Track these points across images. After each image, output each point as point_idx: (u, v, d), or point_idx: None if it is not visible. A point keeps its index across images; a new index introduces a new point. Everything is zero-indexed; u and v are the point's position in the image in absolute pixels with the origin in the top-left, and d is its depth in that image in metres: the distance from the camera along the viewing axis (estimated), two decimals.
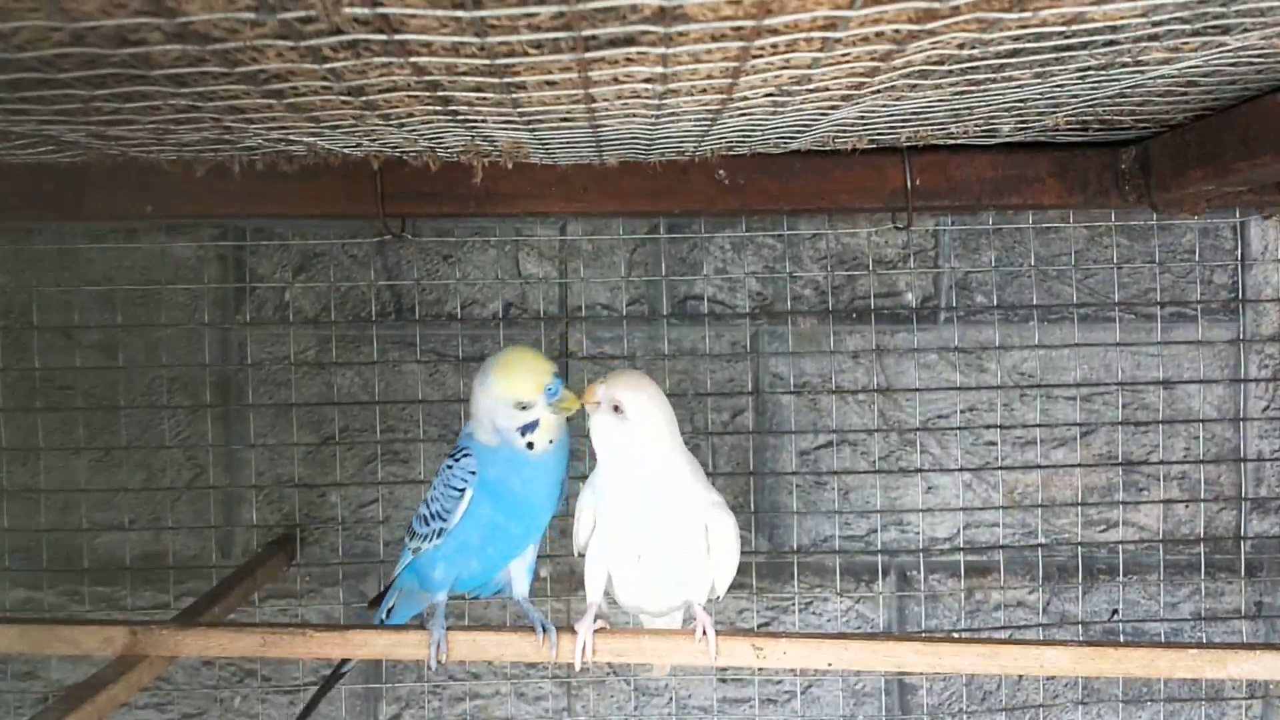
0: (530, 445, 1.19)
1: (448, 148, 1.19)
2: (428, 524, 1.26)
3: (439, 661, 1.20)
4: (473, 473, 1.21)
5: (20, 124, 1.00)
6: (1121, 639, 1.68)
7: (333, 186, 1.41)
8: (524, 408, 1.18)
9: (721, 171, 1.44)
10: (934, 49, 0.81)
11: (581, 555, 1.26)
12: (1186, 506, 1.70)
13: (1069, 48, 0.85)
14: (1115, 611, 1.70)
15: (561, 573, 1.67)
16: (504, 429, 1.20)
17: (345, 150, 1.23)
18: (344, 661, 1.41)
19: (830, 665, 1.18)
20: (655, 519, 1.19)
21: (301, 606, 1.70)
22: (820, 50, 0.77)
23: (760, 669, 1.66)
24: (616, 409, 1.17)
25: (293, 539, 1.68)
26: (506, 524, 1.24)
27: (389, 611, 1.39)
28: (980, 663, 1.18)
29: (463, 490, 1.22)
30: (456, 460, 1.23)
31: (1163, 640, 1.68)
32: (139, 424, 1.70)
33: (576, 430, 1.31)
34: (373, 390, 1.69)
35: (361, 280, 1.70)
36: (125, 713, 1.70)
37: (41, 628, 1.25)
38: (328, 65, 0.75)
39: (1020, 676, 1.69)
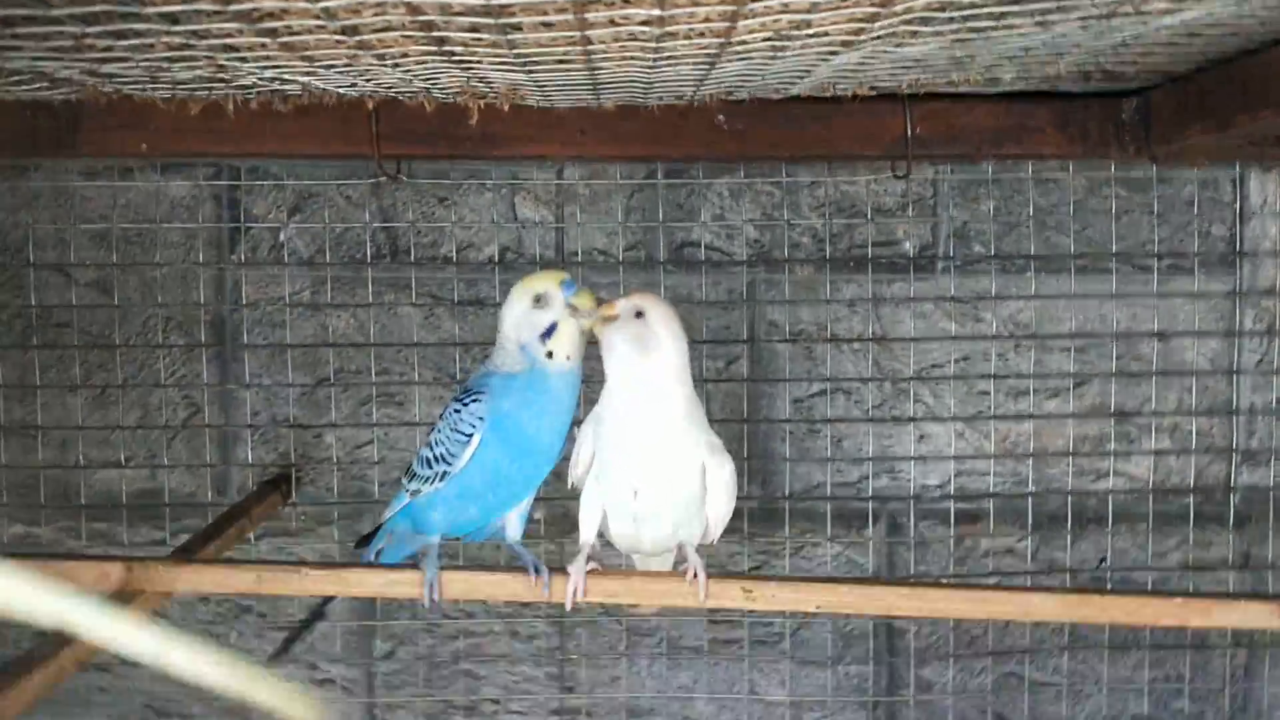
0: (550, 355, 1.21)
1: (443, 89, 1.18)
2: (430, 466, 1.27)
3: (433, 600, 1.22)
4: (481, 418, 1.22)
5: (13, 60, 0.99)
6: (1109, 587, 1.70)
7: (328, 126, 1.40)
8: (539, 302, 1.20)
9: (721, 117, 1.43)
10: None
11: (576, 489, 1.27)
12: (1177, 458, 1.71)
13: None
14: (1103, 560, 1.72)
15: (555, 515, 1.69)
16: (528, 342, 1.21)
17: (340, 90, 1.22)
18: (326, 600, 1.43)
19: (819, 608, 1.19)
20: (654, 453, 1.19)
21: (297, 545, 1.72)
22: None
23: (750, 611, 1.68)
24: (639, 314, 1.17)
25: (288, 478, 1.69)
26: (511, 468, 1.24)
27: (377, 554, 1.40)
28: (967, 607, 1.19)
29: (470, 435, 1.23)
30: (465, 405, 1.24)
31: (1149, 589, 1.69)
32: (135, 362, 1.70)
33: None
34: (368, 332, 1.69)
35: (357, 222, 1.69)
36: None
37: (38, 563, 1.26)
38: (321, 4, 0.74)
39: (1007, 622, 1.71)
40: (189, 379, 1.71)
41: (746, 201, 1.69)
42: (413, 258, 1.69)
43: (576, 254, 1.69)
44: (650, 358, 1.18)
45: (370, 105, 1.35)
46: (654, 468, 1.20)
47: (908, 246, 1.70)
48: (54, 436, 1.70)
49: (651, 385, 1.18)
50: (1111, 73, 1.28)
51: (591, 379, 1.30)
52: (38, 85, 1.18)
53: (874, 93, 1.35)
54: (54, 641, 1.07)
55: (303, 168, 1.68)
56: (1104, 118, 1.45)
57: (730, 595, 1.20)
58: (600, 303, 1.22)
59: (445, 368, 1.69)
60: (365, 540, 1.44)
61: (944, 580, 1.71)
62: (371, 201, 1.69)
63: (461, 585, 1.23)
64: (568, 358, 1.22)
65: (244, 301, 1.70)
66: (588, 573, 1.21)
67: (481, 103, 1.25)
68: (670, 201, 1.69)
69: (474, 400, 1.23)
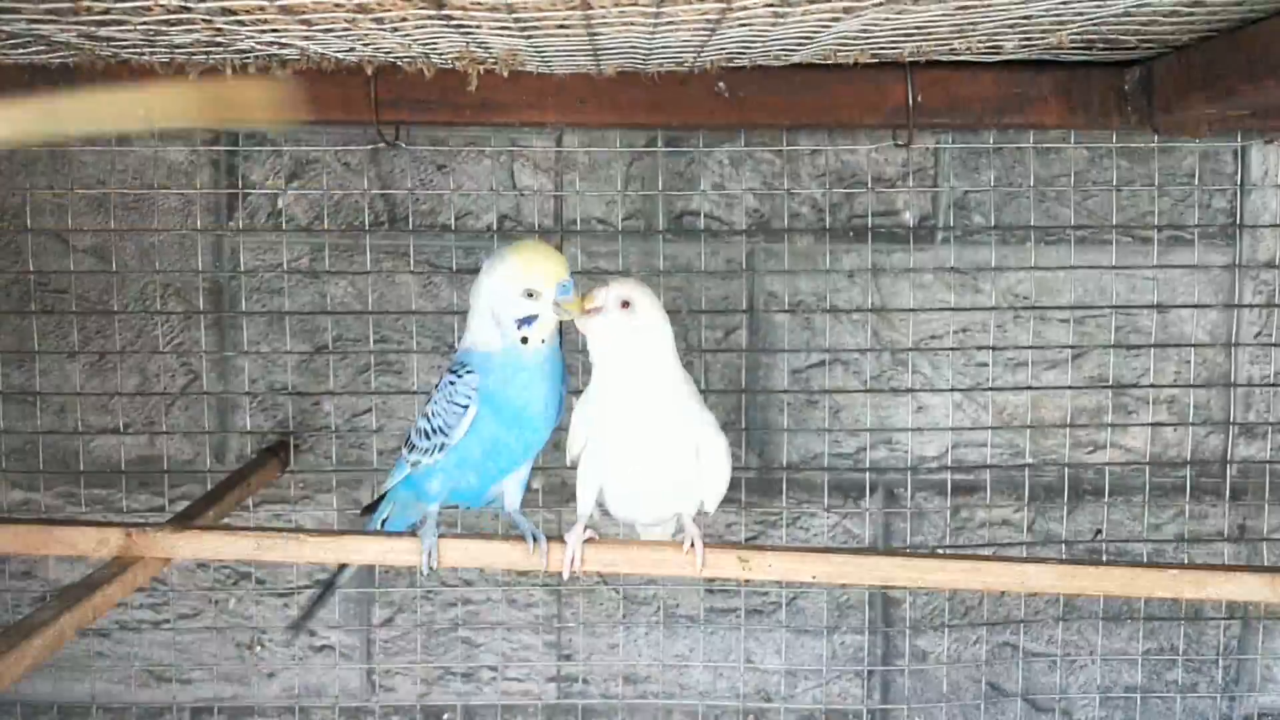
0: (525, 340, 1.20)
1: (442, 54, 1.18)
2: (428, 438, 1.27)
3: (431, 568, 1.22)
4: (476, 389, 1.22)
5: (10, 23, 0.98)
6: (1104, 559, 1.71)
7: (327, 92, 1.39)
8: (530, 296, 1.19)
9: (721, 84, 1.42)
10: None
11: (574, 465, 1.27)
12: (1174, 430, 1.71)
13: None
14: (1099, 532, 1.72)
15: (553, 484, 1.69)
16: (501, 318, 1.20)
17: (339, 55, 1.21)
18: (341, 568, 1.43)
19: (815, 578, 1.20)
20: (647, 436, 1.20)
21: (295, 512, 1.72)
22: None
23: (747, 581, 1.69)
24: (625, 304, 1.17)
25: (287, 446, 1.69)
26: (508, 437, 1.25)
27: (382, 523, 1.40)
28: (963, 578, 1.20)
29: (466, 406, 1.22)
30: (460, 376, 1.24)
31: (1144, 561, 1.70)
32: (133, 329, 1.70)
33: (569, 346, 1.31)
34: (366, 300, 1.69)
35: (355, 188, 1.69)
36: (121, 612, 1.73)
37: (38, 528, 1.27)
38: None
39: (1002, 593, 1.72)
40: (187, 346, 1.71)
41: (746, 170, 1.69)
42: (411, 225, 1.69)
43: (575, 222, 1.68)
44: (639, 349, 1.18)
45: (369, 71, 1.34)
46: (647, 450, 1.21)
47: (908, 217, 1.69)
48: (52, 403, 1.70)
49: (641, 373, 1.19)
50: (1114, 42, 1.27)
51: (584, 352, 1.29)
52: (35, 48, 1.17)
53: (876, 60, 1.34)
54: (53, 606, 1.08)
55: (301, 134, 1.67)
56: (1106, 87, 1.44)
57: (727, 565, 1.21)
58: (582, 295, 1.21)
59: (443, 336, 1.69)
60: (370, 508, 1.44)
61: (940, 551, 1.71)
62: (370, 168, 1.68)
63: (459, 553, 1.24)
64: (543, 341, 1.22)
65: (242, 268, 1.70)
66: (585, 542, 1.21)
67: (481, 69, 1.25)
68: (670, 170, 1.69)
69: (468, 372, 1.23)
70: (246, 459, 1.68)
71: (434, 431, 1.26)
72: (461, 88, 1.30)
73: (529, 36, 1.02)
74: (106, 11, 0.91)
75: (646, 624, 1.74)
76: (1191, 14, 1.11)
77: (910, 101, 1.42)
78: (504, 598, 1.74)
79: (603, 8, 0.88)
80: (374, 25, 0.96)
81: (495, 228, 1.69)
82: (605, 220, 1.69)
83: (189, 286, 1.70)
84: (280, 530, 1.24)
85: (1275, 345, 1.70)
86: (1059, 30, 1.18)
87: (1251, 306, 1.70)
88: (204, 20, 0.94)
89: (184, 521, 1.29)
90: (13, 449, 1.71)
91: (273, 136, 1.67)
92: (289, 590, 1.73)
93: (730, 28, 1.01)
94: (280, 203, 1.69)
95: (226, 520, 1.45)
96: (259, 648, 1.75)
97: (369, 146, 1.66)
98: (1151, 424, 1.71)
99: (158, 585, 1.72)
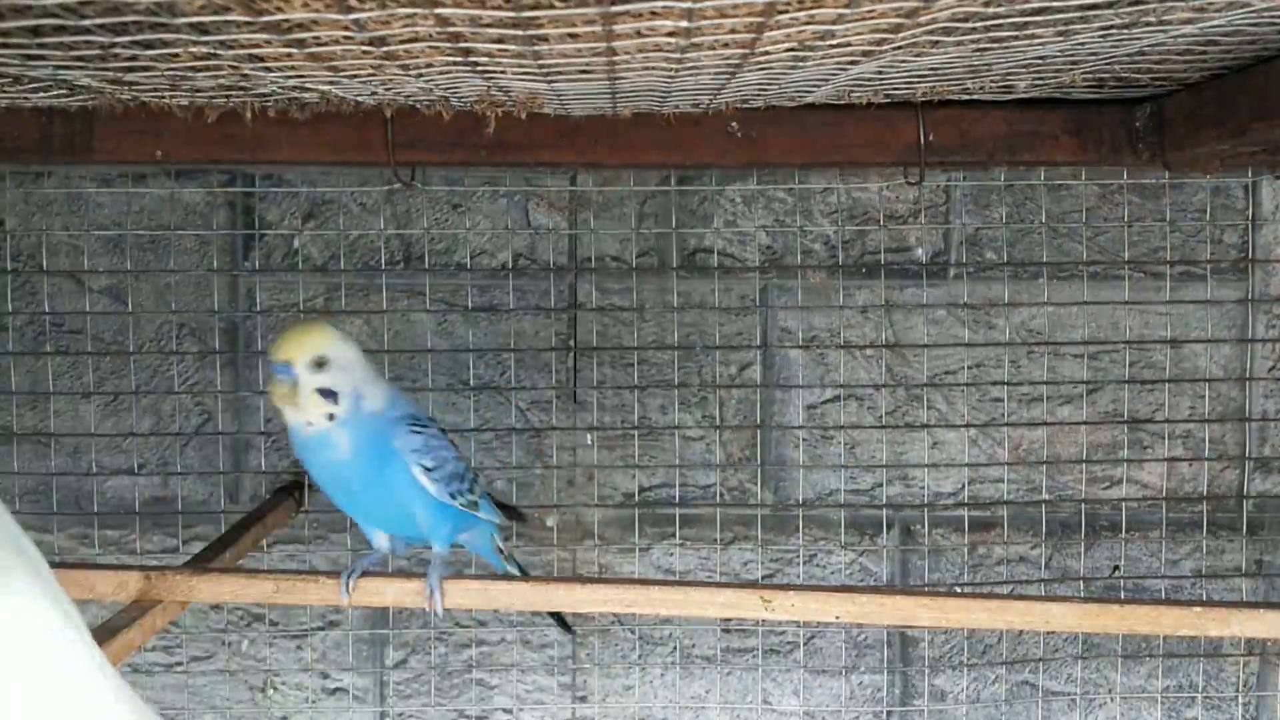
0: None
1: (462, 97, 1.18)
2: None
3: (440, 609, 1.23)
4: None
5: (36, 69, 0.99)
6: (1122, 595, 1.70)
7: (344, 134, 1.40)
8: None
9: (734, 124, 1.43)
10: (960, 5, 0.80)
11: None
12: (1190, 465, 1.71)
13: (1094, 5, 0.84)
14: (1116, 568, 1.72)
15: (567, 522, 1.68)
16: None
17: (359, 98, 1.22)
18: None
19: (838, 618, 1.19)
20: None
21: (309, 553, 1.71)
22: (846, 5, 0.77)
23: (764, 620, 1.68)
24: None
25: (301, 485, 1.69)
26: (342, 500, 1.27)
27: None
28: (987, 618, 1.19)
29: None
30: None
31: (1163, 597, 1.69)
32: (148, 369, 1.70)
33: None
34: (381, 339, 1.69)
35: (371, 229, 1.69)
36: (133, 655, 1.71)
37: (55, 571, 1.26)
38: (352, 15, 0.74)
39: (1021, 631, 1.71)
40: (202, 386, 1.71)
41: (759, 208, 1.69)
42: (427, 264, 1.69)
43: (590, 260, 1.69)
44: None
45: (387, 114, 1.35)
46: None
47: (920, 253, 1.70)
48: (66, 443, 1.70)
49: None
50: (1126, 80, 1.28)
51: None
52: (55, 92, 1.18)
53: (888, 100, 1.35)
54: None
55: (317, 175, 1.68)
56: (1117, 125, 1.44)
57: (749, 605, 1.20)
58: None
59: (458, 374, 1.69)
60: None
61: (959, 588, 1.71)
62: (386, 208, 1.69)
63: (462, 595, 1.24)
64: (309, 425, 1.19)
65: (258, 308, 1.70)
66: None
67: (499, 111, 1.26)
68: (683, 208, 1.69)
69: None
70: (260, 499, 1.67)
71: None
72: (478, 129, 1.31)
73: (550, 80, 1.03)
74: (134, 58, 0.91)
75: (662, 665, 1.73)
76: (1205, 52, 1.12)
77: (921, 140, 1.43)
78: (518, 639, 1.73)
79: (626, 54, 0.89)
80: (399, 71, 0.97)
81: (510, 266, 1.69)
82: (619, 258, 1.70)
83: (204, 327, 1.70)
84: (299, 573, 1.24)
85: None
86: (1072, 70, 1.19)
87: (1265, 341, 1.71)
88: (231, 66, 0.95)
89: (202, 563, 1.29)
90: (26, 490, 1.71)
91: (290, 177, 1.68)
92: (302, 632, 1.72)
93: (750, 71, 1.02)
94: (296, 243, 1.70)
95: (242, 562, 1.44)
96: (272, 690, 1.74)
97: (385, 187, 1.67)
98: (1167, 459, 1.70)
99: (170, 627, 1.71)
